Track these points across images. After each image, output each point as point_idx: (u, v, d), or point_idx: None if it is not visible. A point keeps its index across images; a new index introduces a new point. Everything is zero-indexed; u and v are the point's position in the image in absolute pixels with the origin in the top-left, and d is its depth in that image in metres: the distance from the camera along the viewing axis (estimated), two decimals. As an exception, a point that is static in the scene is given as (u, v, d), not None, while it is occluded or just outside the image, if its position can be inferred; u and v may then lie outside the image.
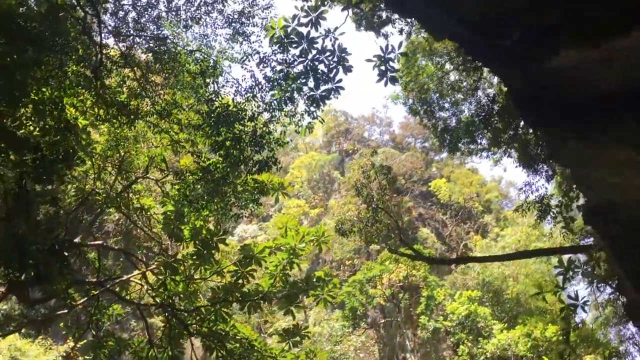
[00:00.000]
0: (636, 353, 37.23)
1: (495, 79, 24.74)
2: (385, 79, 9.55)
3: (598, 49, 5.63)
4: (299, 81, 9.97)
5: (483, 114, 21.51)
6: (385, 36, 18.12)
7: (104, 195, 15.72)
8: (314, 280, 14.93)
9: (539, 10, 5.07)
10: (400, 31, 19.61)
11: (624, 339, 36.17)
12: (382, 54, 9.42)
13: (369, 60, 9.43)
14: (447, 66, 24.23)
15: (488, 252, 45.12)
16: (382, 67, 9.38)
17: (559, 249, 20.54)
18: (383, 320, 46.99)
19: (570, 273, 13.58)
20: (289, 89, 10.45)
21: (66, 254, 10.74)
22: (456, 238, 53.80)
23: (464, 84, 23.27)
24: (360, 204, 25.51)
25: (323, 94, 9.93)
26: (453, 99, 23.05)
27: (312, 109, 12.15)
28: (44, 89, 11.53)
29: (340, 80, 9.81)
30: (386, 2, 9.46)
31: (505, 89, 22.15)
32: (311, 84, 10.05)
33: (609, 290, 40.01)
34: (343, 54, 9.77)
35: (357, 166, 33.10)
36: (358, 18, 20.70)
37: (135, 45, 14.12)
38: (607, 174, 7.40)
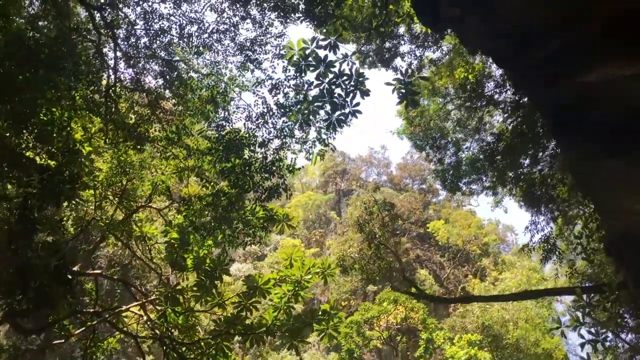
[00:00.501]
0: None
1: (498, 119, 24.92)
2: (406, 100, 9.44)
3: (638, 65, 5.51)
4: (315, 104, 9.84)
5: (488, 151, 21.49)
6: (395, 69, 18.19)
7: (107, 221, 15.38)
8: (320, 313, 14.48)
9: (586, 19, 4.95)
10: (409, 65, 19.75)
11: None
12: (402, 77, 9.34)
13: (388, 84, 9.34)
14: (449, 106, 24.37)
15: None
16: (402, 90, 9.28)
17: (567, 288, 20.13)
18: (380, 364, 46.03)
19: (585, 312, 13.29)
20: (305, 111, 10.32)
21: (70, 277, 10.38)
22: (454, 281, 53.19)
23: (468, 122, 23.36)
24: (362, 240, 25.16)
25: (340, 117, 9.80)
26: (458, 136, 23.07)
27: (324, 136, 12.05)
28: (53, 109, 11.37)
29: (357, 104, 9.71)
30: (419, 14, 9.38)
31: (510, 127, 22.27)
32: (327, 108, 9.94)
33: (610, 337, 39.46)
34: (360, 78, 9.70)
35: (359, 202, 32.88)
36: (361, 56, 20.89)
37: (145, 71, 14.07)
38: (637, 199, 7.21)
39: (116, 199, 17.38)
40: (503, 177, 22.50)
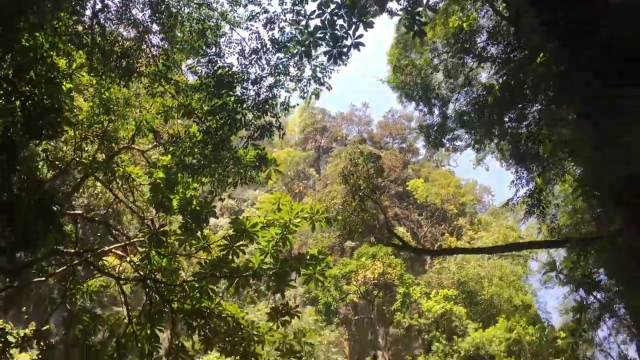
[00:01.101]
0: (602, 358, 37.69)
1: (488, 73, 24.68)
2: (413, 31, 9.07)
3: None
4: (316, 35, 9.41)
5: (477, 104, 21.32)
6: (390, 12, 17.60)
7: (89, 159, 14.84)
8: (307, 258, 14.29)
9: None
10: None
11: (592, 345, 36.48)
12: (410, 7, 8.97)
13: (393, 14, 8.96)
14: (441, 57, 24.00)
15: (463, 255, 45.18)
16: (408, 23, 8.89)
17: (549, 242, 20.35)
18: (355, 317, 46.66)
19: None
20: (304, 44, 9.89)
21: (55, 210, 9.98)
22: (431, 239, 53.80)
23: (458, 75, 23.06)
24: (346, 192, 25.03)
25: (342, 50, 9.41)
26: (447, 89, 22.81)
27: (320, 74, 11.68)
28: (37, 34, 10.75)
29: (360, 36, 9.32)
30: None
31: (499, 81, 22.05)
32: (328, 41, 9.51)
33: (582, 294, 40.44)
34: (364, 9, 9.29)
35: (344, 154, 32.68)
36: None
37: (132, 2, 13.34)
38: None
39: (97, 140, 16.81)
40: (490, 131, 22.39)
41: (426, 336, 37.85)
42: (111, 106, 14.97)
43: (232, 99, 11.93)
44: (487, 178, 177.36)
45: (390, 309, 42.70)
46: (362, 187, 23.50)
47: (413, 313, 39.73)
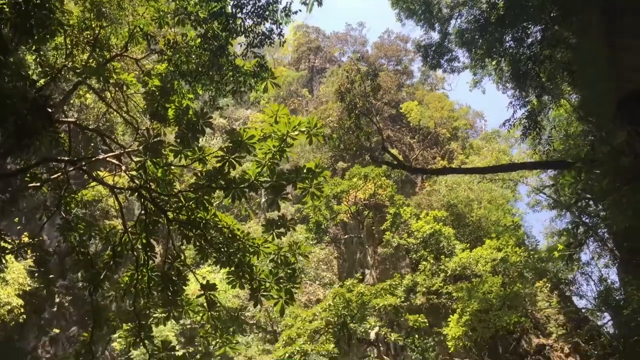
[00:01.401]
0: (583, 282, 39.00)
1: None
2: None
3: None
4: None
5: (481, 21, 20.77)
6: None
7: (82, 64, 14.38)
8: (304, 171, 14.19)
9: None
10: None
11: (573, 269, 37.62)
12: None
13: None
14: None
15: (455, 177, 45.52)
16: None
17: (545, 163, 20.44)
18: (345, 237, 47.53)
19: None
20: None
21: (49, 110, 9.70)
22: (422, 162, 53.95)
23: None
24: (342, 110, 24.73)
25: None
26: (451, 3, 22.11)
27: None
28: None
29: None
30: None
31: (501, 1, 21.40)
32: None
33: (568, 218, 41.30)
34: None
35: (341, 70, 32.08)
36: None
37: None
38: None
39: (88, 47, 16.24)
40: (490, 51, 21.98)
41: (414, 255, 38.70)
42: (103, 9, 14.34)
43: (231, 2, 11.45)
44: (480, 103, 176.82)
45: (379, 229, 43.42)
46: (358, 106, 23.25)
47: (402, 233, 40.42)
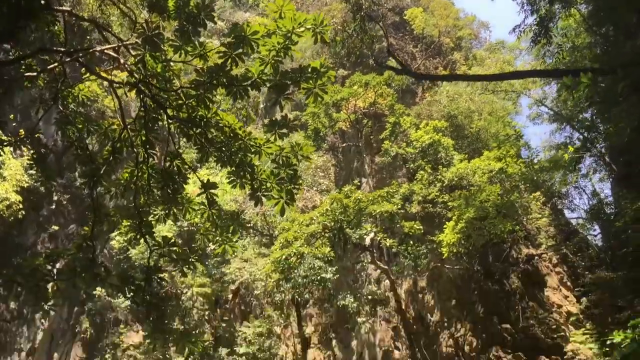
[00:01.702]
0: (576, 195, 39.61)
1: None
2: None
3: None
4: None
5: None
6: None
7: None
8: (309, 71, 13.76)
9: None
10: None
11: (568, 182, 38.02)
12: None
13: None
14: None
15: (456, 87, 44.84)
16: None
17: (552, 71, 19.97)
18: (343, 145, 47.44)
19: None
20: None
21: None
22: (424, 72, 52.87)
23: None
24: (346, 11, 23.82)
25: None
26: None
27: None
28: None
29: None
30: None
31: None
32: None
33: (567, 132, 41.25)
34: None
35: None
36: None
37: None
38: None
39: None
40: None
41: (412, 165, 38.79)
42: None
43: None
44: (485, 14, 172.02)
45: (378, 138, 43.24)
46: (363, 7, 22.37)
47: (400, 143, 40.29)
